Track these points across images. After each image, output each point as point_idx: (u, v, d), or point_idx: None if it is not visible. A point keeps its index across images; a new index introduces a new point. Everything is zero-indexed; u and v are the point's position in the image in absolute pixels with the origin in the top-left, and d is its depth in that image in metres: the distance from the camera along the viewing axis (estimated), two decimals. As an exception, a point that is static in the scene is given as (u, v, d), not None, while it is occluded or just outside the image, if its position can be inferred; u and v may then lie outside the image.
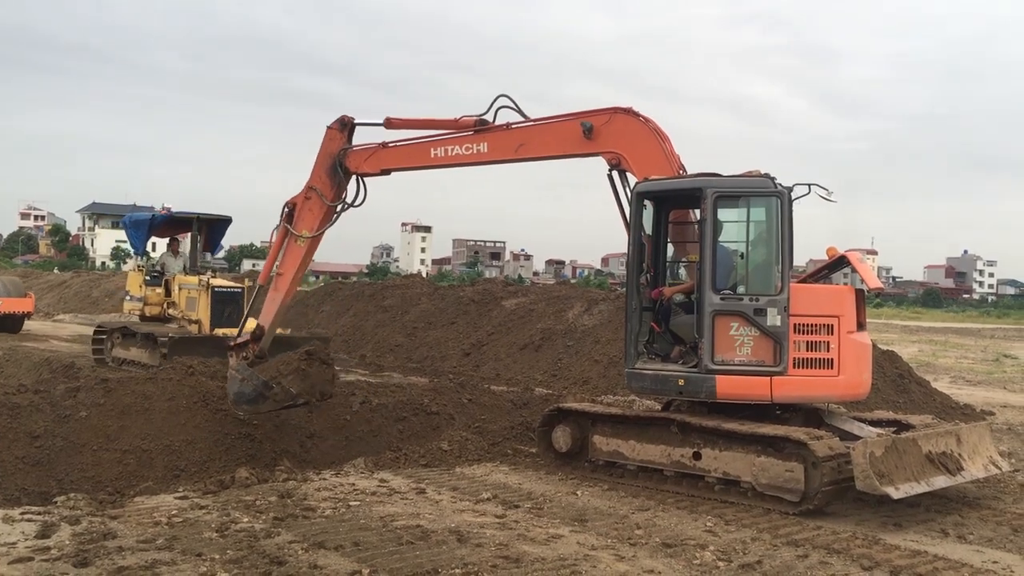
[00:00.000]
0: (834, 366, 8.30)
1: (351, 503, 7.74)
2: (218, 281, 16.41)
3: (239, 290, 16.12)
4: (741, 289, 8.57)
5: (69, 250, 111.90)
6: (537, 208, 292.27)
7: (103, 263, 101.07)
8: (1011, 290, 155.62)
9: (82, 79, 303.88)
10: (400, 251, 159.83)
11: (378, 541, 6.56)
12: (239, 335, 10.74)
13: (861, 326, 8.61)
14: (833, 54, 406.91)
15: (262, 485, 8.34)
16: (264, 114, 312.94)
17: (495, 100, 9.71)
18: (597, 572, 6.06)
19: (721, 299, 8.40)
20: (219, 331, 15.08)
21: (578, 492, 8.52)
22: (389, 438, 10.74)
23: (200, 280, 16.15)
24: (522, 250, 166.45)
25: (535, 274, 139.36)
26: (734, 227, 8.69)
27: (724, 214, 8.60)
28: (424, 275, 54.33)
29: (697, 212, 8.69)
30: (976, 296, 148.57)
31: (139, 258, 18.64)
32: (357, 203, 10.63)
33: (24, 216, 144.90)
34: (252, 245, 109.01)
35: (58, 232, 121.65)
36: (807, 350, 8.28)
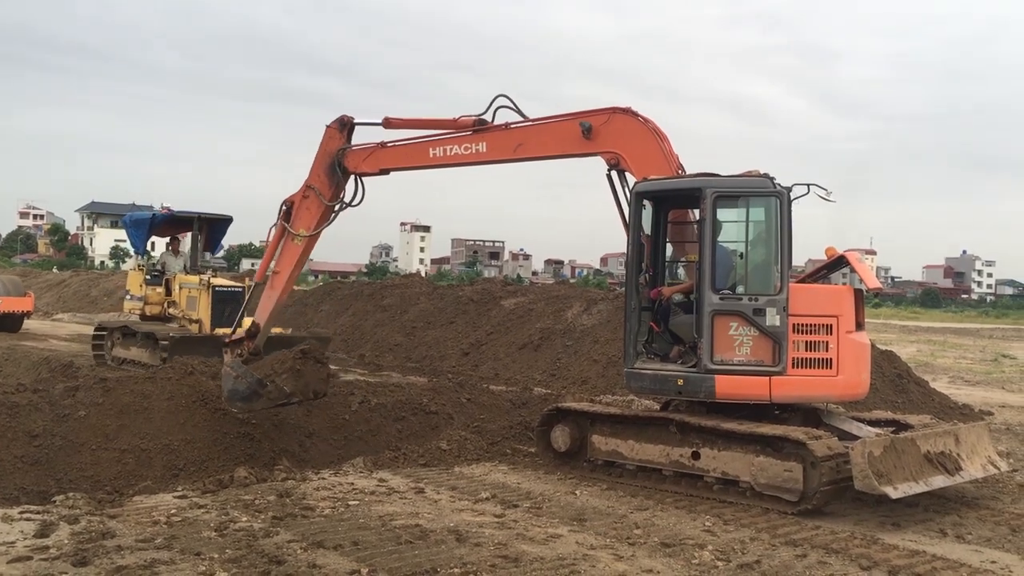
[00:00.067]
0: (833, 366, 8.30)
1: (350, 502, 7.74)
2: (219, 280, 16.42)
3: (240, 289, 16.12)
4: (740, 289, 8.57)
5: (68, 249, 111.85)
6: (536, 208, 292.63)
7: (102, 262, 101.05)
8: (1009, 290, 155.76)
9: (82, 78, 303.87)
10: (399, 251, 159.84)
11: (377, 540, 6.56)
12: (233, 332, 10.77)
13: (860, 326, 8.62)
14: (833, 54, 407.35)
15: (261, 484, 8.33)
16: (264, 113, 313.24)
17: (494, 100, 9.72)
18: (596, 572, 6.06)
19: (720, 299, 8.41)
20: (220, 331, 15.06)
21: (577, 492, 8.52)
22: (388, 437, 10.76)
23: (201, 279, 16.16)
24: (521, 250, 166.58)
25: (534, 274, 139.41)
26: (733, 227, 8.69)
27: (723, 214, 8.60)
28: (423, 275, 54.32)
29: (696, 212, 8.69)
30: (975, 296, 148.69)
31: (139, 257, 18.65)
32: (355, 203, 10.64)
33: (23, 215, 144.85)
34: (251, 244, 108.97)
35: (57, 231, 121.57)
36: (806, 350, 8.28)
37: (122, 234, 21.31)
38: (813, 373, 8.28)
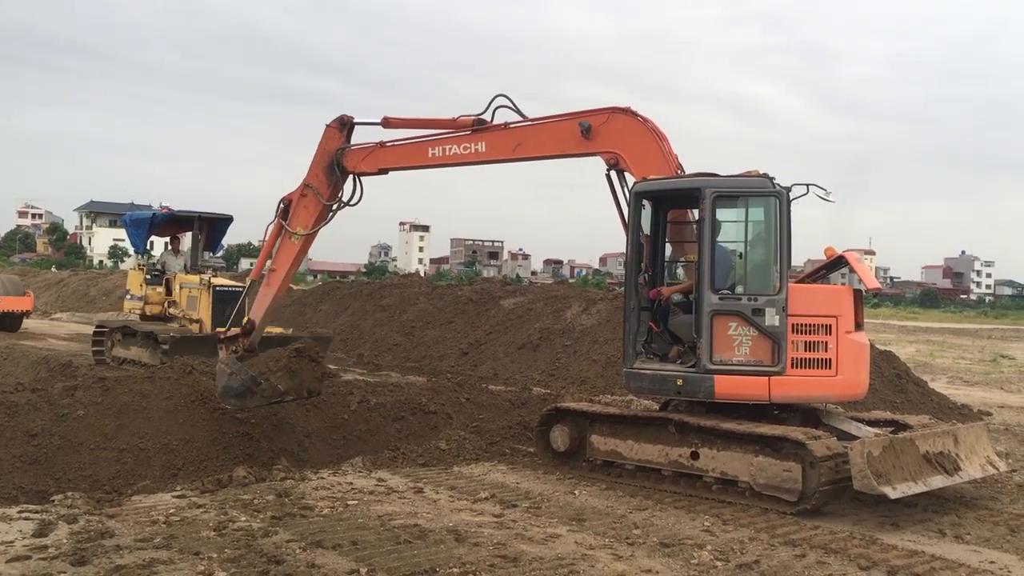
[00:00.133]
0: (832, 366, 8.30)
1: (349, 502, 7.74)
2: (219, 280, 16.41)
3: (240, 289, 16.10)
4: (739, 289, 8.57)
5: (67, 248, 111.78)
6: (535, 208, 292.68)
7: (100, 262, 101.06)
8: (1008, 291, 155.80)
9: (82, 78, 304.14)
10: (398, 250, 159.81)
11: (376, 540, 6.56)
12: (228, 328, 10.78)
13: (859, 326, 8.62)
14: (833, 54, 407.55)
15: (260, 484, 8.33)
16: (264, 113, 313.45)
17: (493, 100, 9.71)
18: (595, 571, 6.06)
19: (719, 299, 8.41)
20: (220, 330, 15.06)
21: (576, 491, 8.52)
22: (387, 437, 10.76)
23: (201, 279, 16.15)
24: (520, 250, 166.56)
25: (533, 273, 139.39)
26: (733, 227, 8.69)
27: (722, 214, 8.61)
28: (422, 274, 54.34)
29: (695, 212, 8.69)
30: (974, 296, 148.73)
31: (140, 257, 18.63)
32: (353, 202, 10.64)
33: (21, 214, 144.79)
34: (250, 244, 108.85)
35: (56, 230, 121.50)
36: (805, 350, 8.28)
37: (121, 233, 21.31)
38: (812, 373, 8.28)
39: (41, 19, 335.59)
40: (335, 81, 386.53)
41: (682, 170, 8.96)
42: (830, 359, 8.30)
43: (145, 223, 17.58)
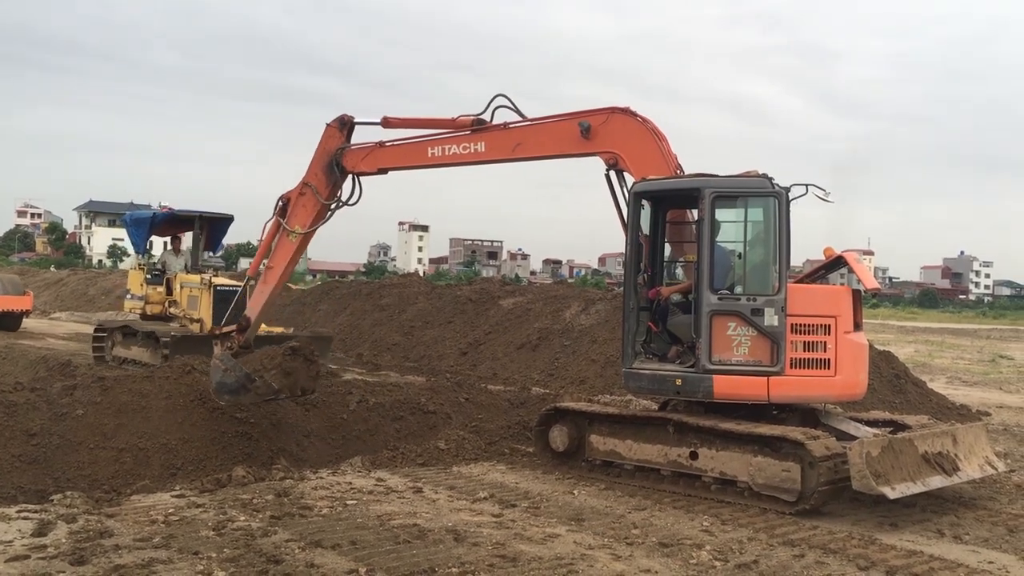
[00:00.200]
0: (831, 366, 8.31)
1: (348, 502, 7.74)
2: (220, 280, 16.39)
3: (241, 289, 16.10)
4: (739, 289, 8.58)
5: (66, 248, 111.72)
6: (534, 208, 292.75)
7: (100, 261, 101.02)
8: (1007, 291, 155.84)
9: (82, 78, 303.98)
10: (397, 250, 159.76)
11: (375, 540, 6.56)
12: (223, 324, 10.78)
13: (858, 326, 8.63)
14: (833, 54, 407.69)
15: (259, 484, 8.33)
16: (264, 113, 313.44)
17: (492, 99, 9.71)
18: (594, 571, 6.07)
19: (719, 299, 8.41)
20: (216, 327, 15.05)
21: (575, 491, 8.52)
22: (386, 437, 10.75)
23: (202, 279, 16.14)
24: (519, 249, 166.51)
25: (532, 273, 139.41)
26: (732, 227, 8.70)
27: (722, 214, 8.61)
28: (421, 274, 54.34)
29: (695, 212, 8.69)
30: (972, 297, 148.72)
31: (140, 256, 18.60)
32: (351, 202, 10.63)
33: (21, 214, 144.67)
34: (249, 244, 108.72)
35: (55, 230, 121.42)
36: (804, 350, 8.29)
37: (120, 233, 21.31)
38: (811, 373, 8.28)
39: (41, 19, 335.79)
40: (335, 81, 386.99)
41: (681, 170, 8.96)
42: (829, 359, 8.30)
43: (145, 223, 17.56)
